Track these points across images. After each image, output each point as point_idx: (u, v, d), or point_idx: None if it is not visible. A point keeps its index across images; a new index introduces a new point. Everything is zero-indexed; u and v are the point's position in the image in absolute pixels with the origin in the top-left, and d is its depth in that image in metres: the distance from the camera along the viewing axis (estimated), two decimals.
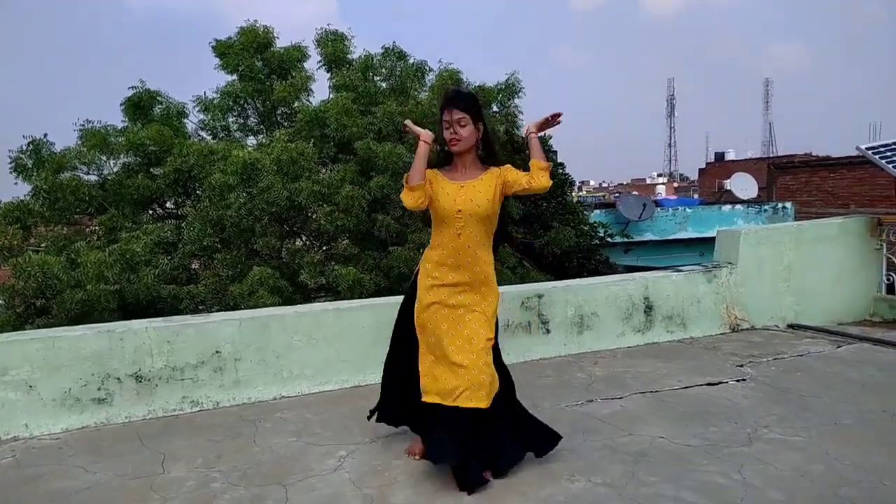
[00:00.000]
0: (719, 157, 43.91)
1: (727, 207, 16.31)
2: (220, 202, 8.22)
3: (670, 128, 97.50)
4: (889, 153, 5.79)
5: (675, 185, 61.27)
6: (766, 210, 16.32)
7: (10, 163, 8.65)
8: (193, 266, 9.06)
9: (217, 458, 2.99)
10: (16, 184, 8.73)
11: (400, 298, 3.03)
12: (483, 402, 2.59)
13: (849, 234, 5.65)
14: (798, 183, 19.59)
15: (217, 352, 3.74)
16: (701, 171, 43.31)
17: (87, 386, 3.47)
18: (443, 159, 2.84)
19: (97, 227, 9.27)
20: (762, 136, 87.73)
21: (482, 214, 2.69)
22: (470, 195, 2.69)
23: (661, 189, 45.02)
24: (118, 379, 3.54)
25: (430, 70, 10.42)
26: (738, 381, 3.88)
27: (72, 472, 2.88)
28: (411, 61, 10.35)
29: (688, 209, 15.90)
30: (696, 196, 38.70)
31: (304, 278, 7.86)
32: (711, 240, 16.19)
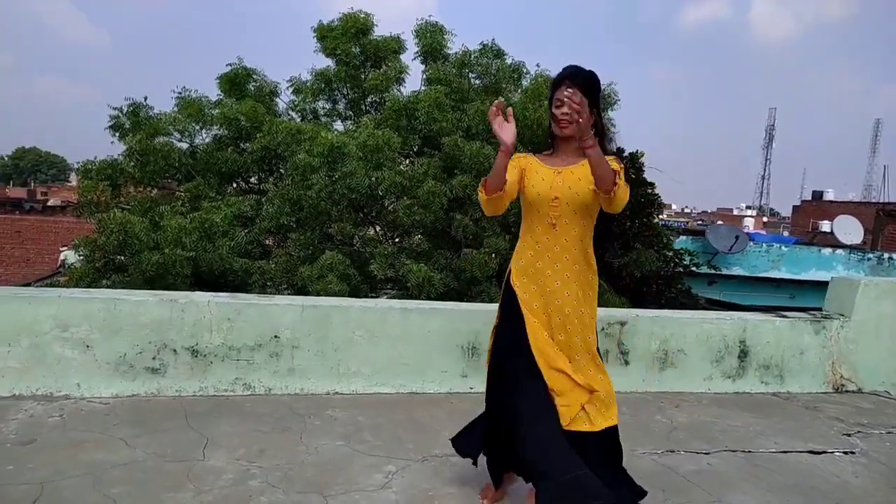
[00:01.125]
0: (817, 195, 41.24)
1: (827, 251, 15.08)
2: (302, 182, 8.18)
3: (766, 159, 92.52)
4: None
5: (765, 219, 58.11)
6: (869, 258, 15.00)
7: (110, 121, 8.94)
8: (267, 242, 9.10)
9: (260, 453, 2.80)
10: (112, 143, 9.02)
11: (473, 306, 2.70)
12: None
13: None
14: None
15: (276, 336, 3.58)
16: (795, 208, 40.85)
17: (143, 353, 3.38)
18: (548, 142, 2.56)
19: (183, 194, 9.47)
20: (865, 178, 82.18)
21: (581, 203, 2.35)
22: (569, 182, 2.37)
23: (748, 222, 42.66)
24: (174, 350, 3.43)
25: (527, 73, 10.08)
26: (845, 453, 3.37)
27: (113, 444, 2.76)
28: (508, 61, 10.03)
29: (783, 247, 14.77)
30: (785, 233, 36.54)
31: (373, 269, 7.70)
32: (805, 283, 15.01)
